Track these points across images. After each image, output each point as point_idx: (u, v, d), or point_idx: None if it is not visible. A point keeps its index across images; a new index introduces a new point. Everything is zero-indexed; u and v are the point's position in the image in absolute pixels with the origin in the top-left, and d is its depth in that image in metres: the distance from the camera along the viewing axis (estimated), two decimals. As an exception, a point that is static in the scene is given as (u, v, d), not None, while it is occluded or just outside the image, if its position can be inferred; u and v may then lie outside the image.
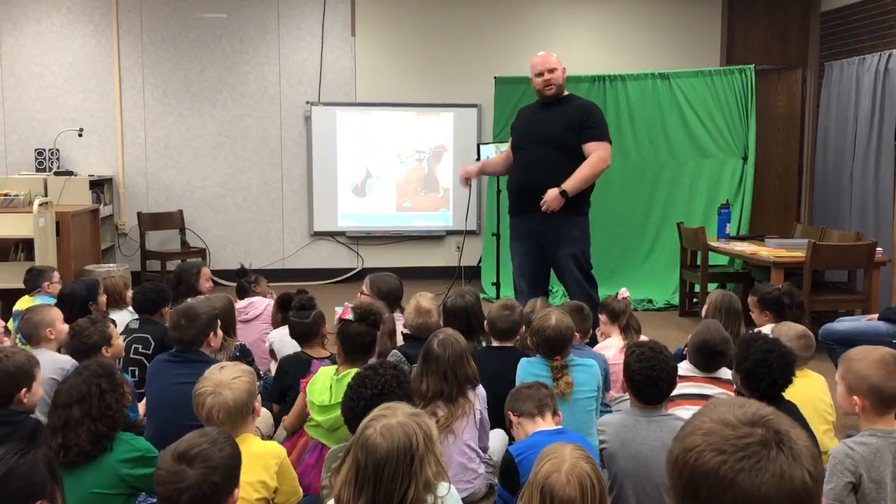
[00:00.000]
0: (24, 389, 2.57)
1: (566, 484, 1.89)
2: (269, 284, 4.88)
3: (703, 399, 3.03)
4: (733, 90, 7.22)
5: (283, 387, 3.43)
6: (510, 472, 2.50)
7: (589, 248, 4.70)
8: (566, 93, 4.75)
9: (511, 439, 3.20)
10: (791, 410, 2.61)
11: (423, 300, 3.71)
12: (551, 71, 4.62)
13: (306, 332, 3.58)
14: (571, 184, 4.48)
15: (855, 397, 2.36)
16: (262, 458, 2.36)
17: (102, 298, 4.19)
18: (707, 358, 3.17)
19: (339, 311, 3.12)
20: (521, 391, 2.71)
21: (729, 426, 1.06)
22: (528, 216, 4.63)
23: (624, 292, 3.95)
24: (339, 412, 2.65)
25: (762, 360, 2.66)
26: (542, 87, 4.67)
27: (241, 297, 4.62)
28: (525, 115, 4.89)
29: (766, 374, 2.65)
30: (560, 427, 2.61)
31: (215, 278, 5.23)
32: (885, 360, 2.35)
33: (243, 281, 4.75)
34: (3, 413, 2.53)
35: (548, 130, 4.61)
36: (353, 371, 2.74)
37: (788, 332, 3.31)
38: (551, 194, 4.45)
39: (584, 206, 4.71)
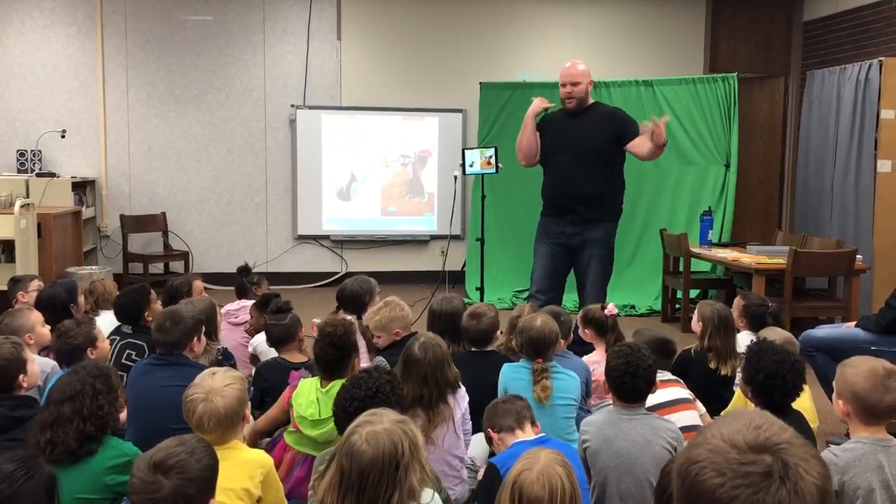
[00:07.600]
0: (21, 375, 2.74)
1: (535, 482, 1.92)
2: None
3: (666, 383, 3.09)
4: (716, 98, 7.27)
5: (261, 392, 3.39)
6: (493, 483, 2.41)
7: (613, 253, 4.86)
8: (591, 101, 4.86)
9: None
10: (799, 422, 2.59)
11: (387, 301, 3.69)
12: (574, 84, 4.72)
13: (283, 335, 3.52)
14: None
15: (840, 402, 2.38)
16: (248, 466, 2.34)
17: (81, 299, 4.12)
18: (661, 351, 3.22)
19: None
20: (497, 406, 2.66)
21: (736, 448, 1.01)
22: (561, 219, 4.81)
23: (612, 309, 3.80)
24: (331, 425, 2.63)
25: (775, 373, 2.60)
26: (564, 99, 4.80)
27: (239, 297, 4.52)
28: (555, 123, 4.95)
29: (779, 387, 2.60)
30: (542, 436, 2.60)
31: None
32: (874, 372, 2.33)
33: (245, 280, 4.61)
34: (23, 398, 2.68)
35: (582, 140, 4.73)
36: (339, 383, 2.73)
37: (773, 336, 3.34)
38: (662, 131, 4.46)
39: (615, 212, 4.93)
